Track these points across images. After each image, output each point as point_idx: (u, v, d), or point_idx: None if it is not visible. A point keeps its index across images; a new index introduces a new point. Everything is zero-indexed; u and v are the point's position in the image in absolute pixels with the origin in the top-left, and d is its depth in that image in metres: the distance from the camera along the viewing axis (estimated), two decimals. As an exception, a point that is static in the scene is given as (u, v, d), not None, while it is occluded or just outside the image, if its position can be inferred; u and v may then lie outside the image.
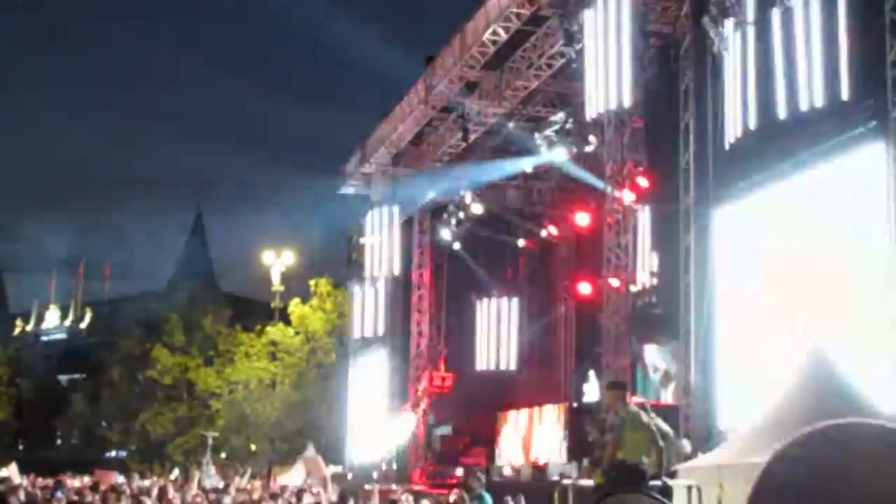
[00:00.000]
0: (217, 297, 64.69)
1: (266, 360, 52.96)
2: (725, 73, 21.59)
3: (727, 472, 14.99)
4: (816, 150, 19.40)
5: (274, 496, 22.78)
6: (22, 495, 20.17)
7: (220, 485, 29.89)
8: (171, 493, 22.29)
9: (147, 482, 31.61)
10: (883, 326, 17.47)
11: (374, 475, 35.86)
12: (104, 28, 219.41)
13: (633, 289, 24.49)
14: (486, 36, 27.54)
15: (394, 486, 32.02)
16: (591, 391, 30.76)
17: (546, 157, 31.55)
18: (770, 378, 19.70)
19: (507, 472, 30.12)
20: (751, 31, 20.61)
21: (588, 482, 12.05)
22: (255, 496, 23.17)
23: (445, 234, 36.12)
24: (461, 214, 35.32)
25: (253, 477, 40.65)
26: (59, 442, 74.79)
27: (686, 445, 19.85)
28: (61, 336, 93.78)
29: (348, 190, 40.44)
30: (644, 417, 11.15)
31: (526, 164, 33.07)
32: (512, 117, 31.31)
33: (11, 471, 29.96)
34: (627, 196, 24.00)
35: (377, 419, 39.67)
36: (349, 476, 39.59)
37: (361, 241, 40.81)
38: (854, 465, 10.69)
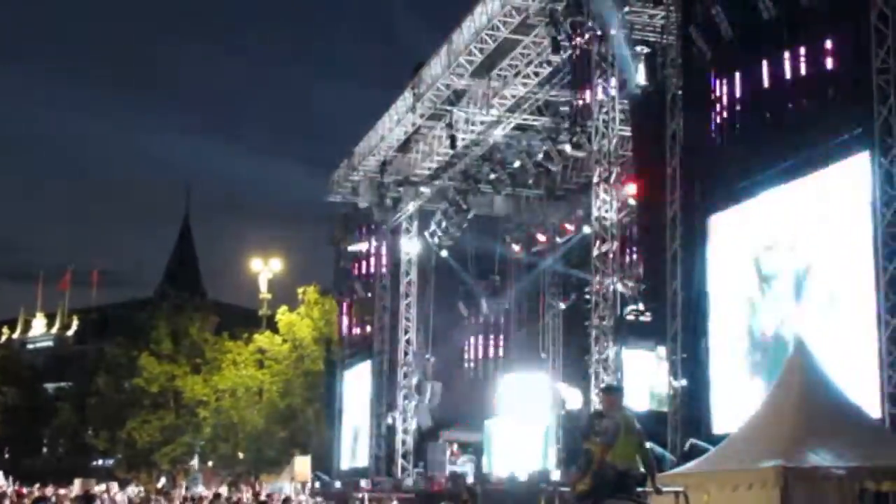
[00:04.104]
0: (204, 304, 64.47)
1: (253, 367, 52.91)
2: (713, 82, 21.77)
3: (715, 479, 15.04)
4: (803, 158, 19.51)
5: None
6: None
7: (204, 492, 29.80)
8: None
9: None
10: (867, 325, 17.57)
11: (363, 482, 35.83)
12: (99, 31, 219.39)
13: (620, 295, 24.53)
14: (474, 44, 27.60)
15: (382, 494, 32.04)
16: (576, 398, 30.77)
17: (534, 165, 31.64)
18: (761, 382, 19.83)
19: (496, 479, 30.09)
20: (737, 41, 20.79)
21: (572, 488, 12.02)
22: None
23: (433, 241, 36.12)
24: (449, 222, 35.33)
25: (233, 485, 40.57)
26: (45, 450, 74.42)
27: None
28: (48, 344, 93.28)
29: (336, 198, 40.43)
30: (637, 423, 11.15)
31: (514, 172, 33.10)
32: (499, 125, 31.38)
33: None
34: (615, 203, 24.06)
35: (365, 426, 39.65)
36: (337, 484, 39.56)
37: (349, 248, 40.82)
38: None
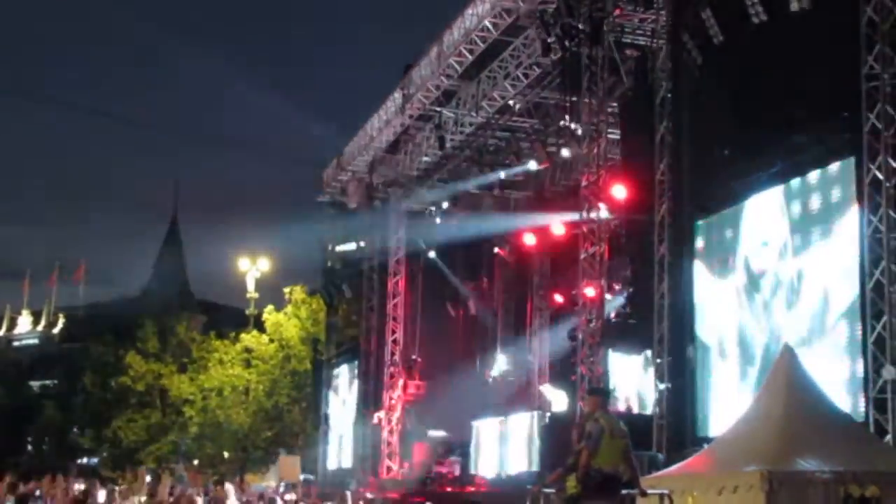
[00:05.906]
0: (191, 303, 64.55)
1: (240, 367, 52.82)
2: (702, 86, 21.82)
3: (700, 482, 15.05)
4: (791, 163, 19.57)
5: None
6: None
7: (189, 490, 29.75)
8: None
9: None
10: (853, 329, 17.66)
11: (349, 482, 35.80)
12: (84, 35, 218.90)
13: (607, 298, 24.56)
14: (464, 46, 27.61)
15: (369, 495, 32.03)
16: (562, 400, 30.81)
17: (522, 167, 31.74)
18: (748, 387, 19.88)
19: (482, 480, 30.13)
20: (727, 45, 20.86)
21: (555, 489, 12.00)
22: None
23: (421, 242, 36.11)
24: (437, 223, 35.31)
25: (218, 485, 40.46)
26: (29, 448, 74.19)
27: None
28: (33, 341, 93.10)
29: (324, 198, 40.42)
30: (622, 425, 11.13)
31: (502, 174, 33.16)
32: (489, 126, 31.39)
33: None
34: (602, 206, 24.08)
35: (351, 426, 39.62)
36: (322, 485, 39.51)
37: (337, 248, 40.79)
38: None
